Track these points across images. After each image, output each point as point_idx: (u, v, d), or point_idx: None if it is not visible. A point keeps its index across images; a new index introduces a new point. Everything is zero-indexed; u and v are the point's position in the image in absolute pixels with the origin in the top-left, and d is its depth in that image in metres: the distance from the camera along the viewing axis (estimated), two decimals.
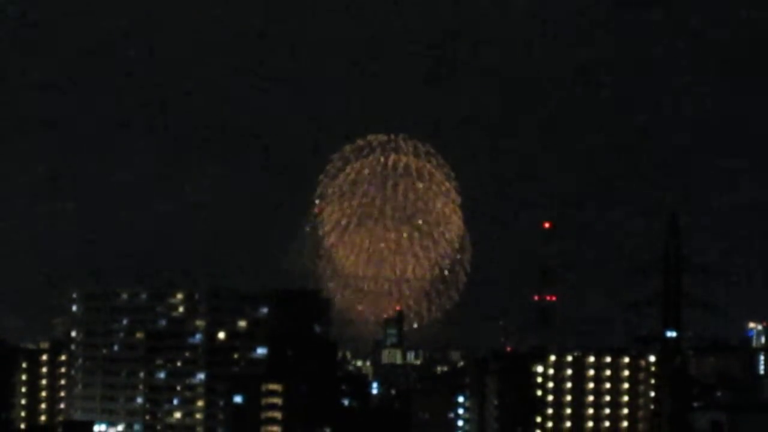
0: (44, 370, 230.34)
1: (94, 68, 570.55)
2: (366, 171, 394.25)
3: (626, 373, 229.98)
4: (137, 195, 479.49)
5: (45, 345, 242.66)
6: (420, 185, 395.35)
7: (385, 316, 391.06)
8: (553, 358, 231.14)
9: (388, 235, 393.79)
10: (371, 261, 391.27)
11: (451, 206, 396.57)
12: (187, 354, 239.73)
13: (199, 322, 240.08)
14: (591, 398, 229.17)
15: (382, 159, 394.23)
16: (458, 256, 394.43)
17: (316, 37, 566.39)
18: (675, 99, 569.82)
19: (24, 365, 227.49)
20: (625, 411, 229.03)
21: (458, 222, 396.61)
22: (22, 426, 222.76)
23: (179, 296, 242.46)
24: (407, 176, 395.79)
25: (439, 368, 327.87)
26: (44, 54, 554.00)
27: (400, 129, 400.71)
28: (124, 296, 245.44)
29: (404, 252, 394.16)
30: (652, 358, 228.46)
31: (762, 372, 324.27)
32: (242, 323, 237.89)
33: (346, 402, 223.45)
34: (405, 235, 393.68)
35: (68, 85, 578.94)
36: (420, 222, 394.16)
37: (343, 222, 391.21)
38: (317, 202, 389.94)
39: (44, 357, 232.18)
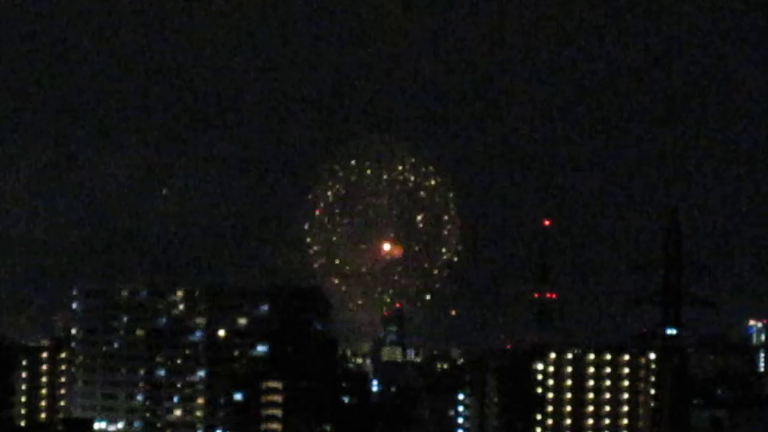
0: (44, 367, 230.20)
1: (93, 67, 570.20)
2: (358, 186, 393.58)
3: (626, 370, 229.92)
4: (136, 192, 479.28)
5: (45, 342, 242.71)
6: (415, 198, 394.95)
7: (385, 313, 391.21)
8: (553, 355, 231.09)
9: (381, 255, 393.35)
10: (361, 284, 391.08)
11: (450, 224, 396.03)
12: (187, 351, 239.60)
13: (200, 320, 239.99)
14: (591, 396, 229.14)
15: (375, 172, 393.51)
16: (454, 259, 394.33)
17: (316, 35, 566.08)
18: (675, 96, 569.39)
19: (24, 363, 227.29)
20: (626, 408, 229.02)
21: (455, 239, 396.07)
22: (22, 423, 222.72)
23: (179, 294, 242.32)
24: (402, 190, 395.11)
25: (439, 366, 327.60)
26: (42, 52, 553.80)
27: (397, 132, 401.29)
28: (125, 294, 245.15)
29: (398, 272, 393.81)
30: (653, 356, 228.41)
31: (762, 369, 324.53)
32: (242, 321, 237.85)
33: (346, 399, 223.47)
34: (400, 252, 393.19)
35: (67, 83, 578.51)
36: (414, 243, 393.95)
37: (334, 239, 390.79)
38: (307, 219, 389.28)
39: (44, 354, 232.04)
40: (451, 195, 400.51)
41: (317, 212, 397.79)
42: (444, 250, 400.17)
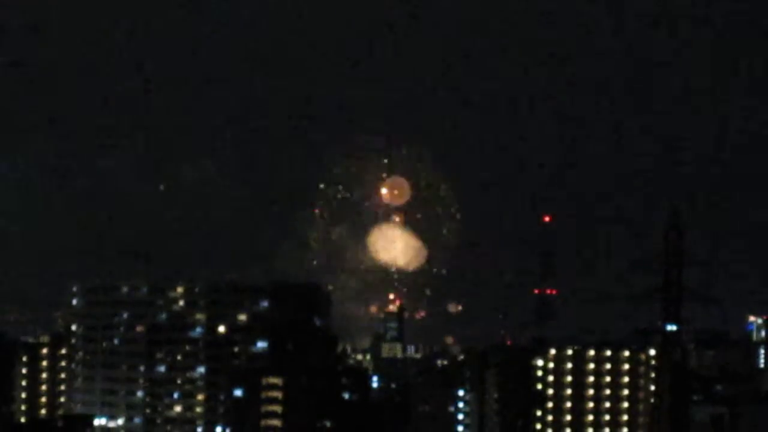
0: (44, 363, 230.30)
1: (93, 67, 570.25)
2: (358, 185, 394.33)
3: (626, 366, 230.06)
4: (137, 190, 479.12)
5: (45, 338, 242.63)
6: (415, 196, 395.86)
7: (386, 310, 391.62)
8: (553, 351, 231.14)
9: (380, 259, 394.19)
10: (361, 280, 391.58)
11: (450, 221, 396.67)
12: (187, 348, 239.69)
13: (199, 316, 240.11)
14: (591, 392, 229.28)
15: (375, 171, 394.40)
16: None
17: (316, 35, 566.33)
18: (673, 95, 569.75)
19: (24, 359, 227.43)
20: (625, 404, 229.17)
21: (455, 236, 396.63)
22: (23, 419, 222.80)
23: (179, 290, 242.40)
24: (402, 188, 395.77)
25: (439, 362, 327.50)
26: (41, 53, 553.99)
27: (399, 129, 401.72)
28: (125, 290, 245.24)
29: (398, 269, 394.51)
30: (653, 352, 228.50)
31: (762, 365, 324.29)
32: (242, 317, 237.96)
33: (346, 395, 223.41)
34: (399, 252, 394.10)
35: (67, 83, 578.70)
36: (414, 244, 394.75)
37: (334, 237, 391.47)
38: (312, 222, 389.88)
39: (44, 350, 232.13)
40: (450, 193, 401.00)
41: (317, 210, 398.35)
42: (444, 246, 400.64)
